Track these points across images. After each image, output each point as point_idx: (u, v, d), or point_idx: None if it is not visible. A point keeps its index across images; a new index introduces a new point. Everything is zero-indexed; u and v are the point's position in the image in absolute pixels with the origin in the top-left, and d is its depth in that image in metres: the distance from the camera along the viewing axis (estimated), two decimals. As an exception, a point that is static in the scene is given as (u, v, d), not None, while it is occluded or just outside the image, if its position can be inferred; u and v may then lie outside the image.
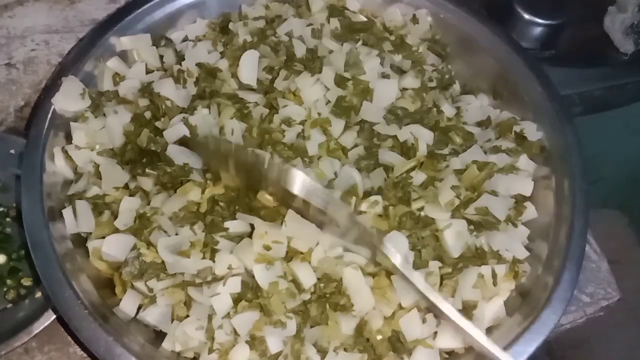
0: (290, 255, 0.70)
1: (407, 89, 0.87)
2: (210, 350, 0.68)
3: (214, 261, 0.70)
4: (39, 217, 0.72)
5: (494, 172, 0.80)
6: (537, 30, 1.14)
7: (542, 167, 0.85)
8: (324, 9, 0.93)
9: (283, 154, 0.78)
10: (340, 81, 0.84)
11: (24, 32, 1.00)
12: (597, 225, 0.93)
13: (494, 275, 0.73)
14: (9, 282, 0.80)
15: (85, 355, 0.77)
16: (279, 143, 0.79)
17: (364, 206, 0.75)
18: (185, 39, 0.92)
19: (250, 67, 0.84)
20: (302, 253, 0.70)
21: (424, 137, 0.82)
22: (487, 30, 0.93)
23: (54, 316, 0.74)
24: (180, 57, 0.89)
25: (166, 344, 0.70)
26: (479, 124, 0.88)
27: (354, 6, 0.96)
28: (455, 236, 0.74)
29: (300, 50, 0.87)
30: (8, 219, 0.85)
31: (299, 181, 0.66)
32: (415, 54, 0.91)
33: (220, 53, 0.88)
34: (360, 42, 0.89)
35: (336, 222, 0.68)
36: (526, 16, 1.12)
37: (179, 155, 0.75)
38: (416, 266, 0.72)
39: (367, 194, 0.77)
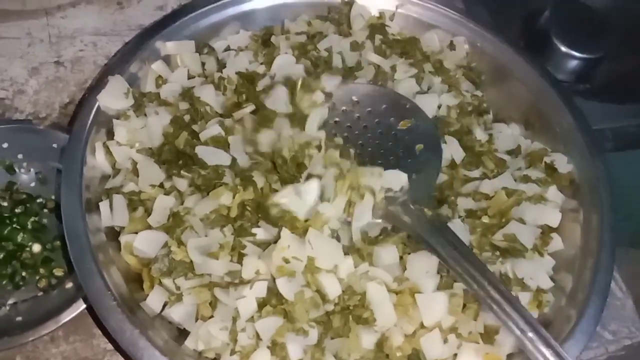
0: (311, 269, 0.70)
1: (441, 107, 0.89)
2: (232, 352, 0.68)
3: (241, 265, 0.71)
4: (76, 207, 0.74)
5: (522, 199, 0.81)
6: (574, 63, 1.15)
7: (571, 200, 0.85)
8: (365, 27, 0.95)
9: None
10: None
11: (74, 32, 1.04)
12: (624, 265, 0.92)
13: (517, 302, 0.73)
14: (41, 270, 0.82)
15: (107, 348, 0.78)
16: None
17: None
18: (227, 49, 0.94)
19: (289, 79, 0.86)
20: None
21: (455, 153, 0.83)
22: (522, 60, 0.93)
23: (82, 307, 0.75)
24: (221, 65, 0.91)
25: (189, 342, 0.70)
26: (509, 152, 0.89)
27: (393, 29, 0.98)
28: None
29: (338, 64, 0.89)
30: (45, 210, 0.86)
31: None
32: (452, 79, 0.93)
33: (261, 64, 0.90)
34: (403, 58, 0.90)
35: None
36: (563, 49, 1.13)
37: (211, 155, 0.77)
38: (441, 287, 0.73)
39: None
